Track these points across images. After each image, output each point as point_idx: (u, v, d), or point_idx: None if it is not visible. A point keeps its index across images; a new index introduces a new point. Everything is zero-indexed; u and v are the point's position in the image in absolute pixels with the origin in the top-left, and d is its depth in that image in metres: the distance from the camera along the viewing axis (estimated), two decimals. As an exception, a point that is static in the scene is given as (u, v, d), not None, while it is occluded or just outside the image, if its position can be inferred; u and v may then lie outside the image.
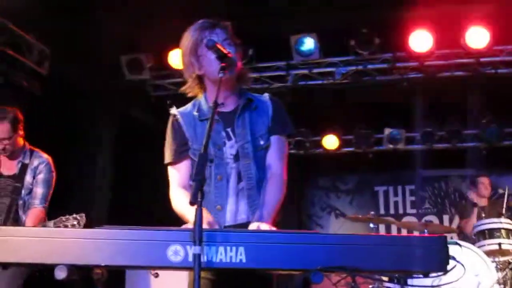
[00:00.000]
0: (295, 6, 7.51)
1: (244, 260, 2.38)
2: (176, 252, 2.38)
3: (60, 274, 2.35)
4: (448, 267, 2.44)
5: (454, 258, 2.47)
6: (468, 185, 10.39)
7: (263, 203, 3.11)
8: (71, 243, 2.40)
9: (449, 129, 9.87)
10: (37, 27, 7.32)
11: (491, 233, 7.00)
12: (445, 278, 2.59)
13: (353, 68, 8.48)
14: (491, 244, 6.89)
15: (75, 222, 4.76)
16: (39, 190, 5.06)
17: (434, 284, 3.15)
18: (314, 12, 7.70)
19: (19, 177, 5.08)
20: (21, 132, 5.13)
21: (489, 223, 7.12)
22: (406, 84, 8.46)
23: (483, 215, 7.79)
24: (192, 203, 2.36)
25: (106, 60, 8.12)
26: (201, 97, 3.29)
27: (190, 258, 2.35)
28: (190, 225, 2.81)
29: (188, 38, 3.23)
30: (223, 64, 2.96)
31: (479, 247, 6.71)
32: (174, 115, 3.28)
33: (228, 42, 3.20)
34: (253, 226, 2.92)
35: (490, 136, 9.66)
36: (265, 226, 2.88)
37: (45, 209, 5.09)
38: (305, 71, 8.61)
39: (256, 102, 3.30)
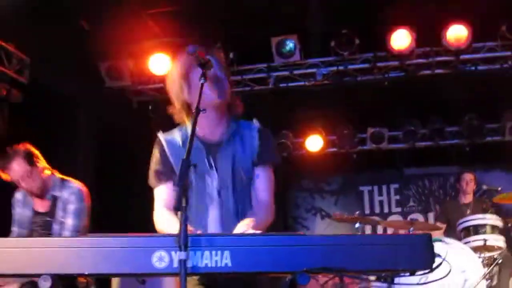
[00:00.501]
0: (275, 9, 7.51)
1: (229, 264, 2.37)
2: (161, 258, 2.36)
3: (45, 284, 2.33)
4: (434, 265, 2.45)
5: (439, 256, 2.48)
6: (452, 182, 10.46)
7: (250, 216, 3.11)
8: (54, 252, 2.38)
9: (431, 127, 9.91)
10: (16, 35, 7.27)
11: (476, 230, 7.04)
12: (432, 276, 2.59)
13: (334, 68, 8.49)
14: (477, 240, 6.92)
15: None
16: (69, 222, 4.88)
17: (421, 281, 3.15)
18: (294, 13, 7.71)
19: (51, 211, 4.94)
20: (40, 165, 4.97)
21: (474, 219, 7.15)
22: (388, 83, 8.49)
23: (468, 211, 7.83)
24: (176, 208, 2.35)
25: (86, 67, 8.08)
26: (187, 125, 3.27)
27: (175, 264, 2.34)
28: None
29: (179, 63, 3.25)
30: (203, 71, 2.92)
31: (465, 243, 6.74)
32: (160, 142, 3.27)
33: (219, 67, 3.19)
34: (240, 226, 2.92)
35: (472, 133, 9.71)
36: (250, 229, 2.88)
37: None
38: (286, 73, 8.62)
39: (242, 132, 3.27)
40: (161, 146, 3.26)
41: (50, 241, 2.48)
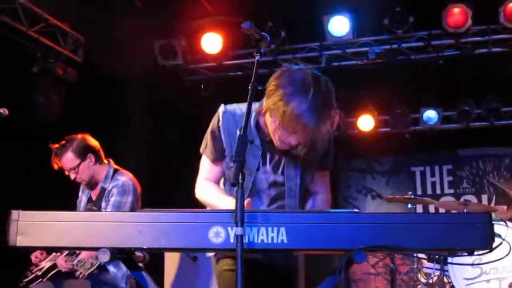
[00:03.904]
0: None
1: (285, 241, 2.38)
2: (217, 234, 2.38)
3: (103, 257, 2.38)
4: (494, 245, 2.41)
5: (499, 236, 2.43)
6: (507, 164, 10.25)
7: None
8: (113, 226, 2.43)
9: (486, 107, 9.72)
10: (71, 15, 7.37)
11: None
12: (486, 257, 2.55)
13: (388, 47, 8.36)
14: (532, 223, 6.79)
15: None
16: None
17: (475, 262, 3.11)
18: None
19: (97, 201, 5.02)
20: (91, 158, 4.98)
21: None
22: (442, 62, 8.33)
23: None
24: (233, 184, 2.36)
25: (140, 46, 8.15)
26: (253, 116, 3.12)
27: (232, 240, 2.36)
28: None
29: (284, 94, 2.84)
30: (260, 47, 2.86)
31: (519, 226, 6.62)
32: (218, 115, 3.18)
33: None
34: None
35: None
36: None
37: None
38: (339, 52, 8.53)
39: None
40: (218, 120, 3.18)
41: (109, 215, 2.52)
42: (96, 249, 2.41)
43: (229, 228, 2.37)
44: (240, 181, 2.34)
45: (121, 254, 2.49)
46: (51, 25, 7.27)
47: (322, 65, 8.59)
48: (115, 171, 5.09)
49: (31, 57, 7.15)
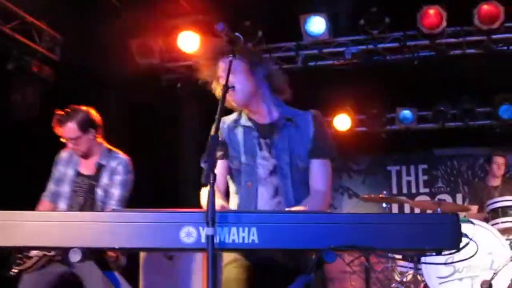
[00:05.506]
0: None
1: (256, 241, 2.39)
2: (188, 234, 2.39)
3: (75, 257, 2.38)
4: (461, 245, 2.45)
5: (466, 236, 2.47)
6: (481, 164, 10.36)
7: (304, 204, 3.15)
8: (84, 226, 2.42)
9: (461, 107, 9.82)
10: (48, 13, 7.33)
11: (504, 211, 6.98)
12: (458, 256, 2.58)
13: (364, 47, 8.43)
14: (505, 222, 6.88)
15: None
16: (115, 192, 4.94)
17: (448, 261, 3.16)
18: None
19: (95, 177, 4.99)
20: (92, 132, 4.98)
21: (503, 201, 7.10)
22: (417, 62, 8.41)
23: (496, 194, 7.76)
24: (204, 184, 2.38)
25: (117, 45, 8.12)
26: (245, 112, 3.31)
27: (203, 239, 2.37)
28: None
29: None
30: (232, 47, 2.93)
31: (492, 225, 6.70)
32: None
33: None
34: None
35: (503, 114, 9.60)
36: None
37: None
38: (315, 52, 8.57)
39: (297, 120, 3.26)
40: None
41: (81, 215, 2.52)
42: (68, 249, 2.41)
43: (201, 228, 2.38)
44: (211, 181, 2.36)
45: (93, 254, 2.49)
46: (27, 22, 7.22)
47: (299, 64, 8.63)
48: (109, 150, 5.12)
49: (6, 55, 7.10)
